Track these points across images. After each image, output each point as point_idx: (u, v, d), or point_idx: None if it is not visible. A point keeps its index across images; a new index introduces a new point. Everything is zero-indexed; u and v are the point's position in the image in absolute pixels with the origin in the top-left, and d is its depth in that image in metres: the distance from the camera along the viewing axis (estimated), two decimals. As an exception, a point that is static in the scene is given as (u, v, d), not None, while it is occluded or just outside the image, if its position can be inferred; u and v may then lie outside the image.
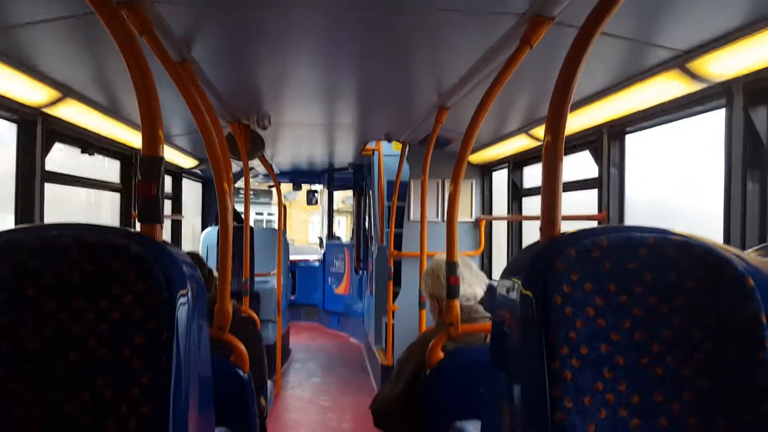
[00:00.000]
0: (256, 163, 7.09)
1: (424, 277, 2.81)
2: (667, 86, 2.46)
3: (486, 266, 5.54)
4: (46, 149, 3.10)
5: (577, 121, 3.30)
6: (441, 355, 2.34)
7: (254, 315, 3.43)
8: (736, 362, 1.25)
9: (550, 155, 1.43)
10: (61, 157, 3.52)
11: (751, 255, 1.50)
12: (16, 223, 2.94)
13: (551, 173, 1.43)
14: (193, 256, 2.57)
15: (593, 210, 3.41)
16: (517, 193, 4.89)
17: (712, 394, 1.25)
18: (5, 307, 1.18)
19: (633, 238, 1.30)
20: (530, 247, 1.42)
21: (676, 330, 1.27)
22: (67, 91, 2.85)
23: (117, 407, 1.18)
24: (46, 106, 2.90)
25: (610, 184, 3.28)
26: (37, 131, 2.97)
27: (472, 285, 2.65)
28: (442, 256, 2.75)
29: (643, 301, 1.27)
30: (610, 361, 1.25)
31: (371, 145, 6.32)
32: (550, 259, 1.28)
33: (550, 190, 1.43)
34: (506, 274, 1.42)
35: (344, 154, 6.98)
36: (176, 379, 1.21)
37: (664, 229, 1.35)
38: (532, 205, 4.73)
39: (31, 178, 2.98)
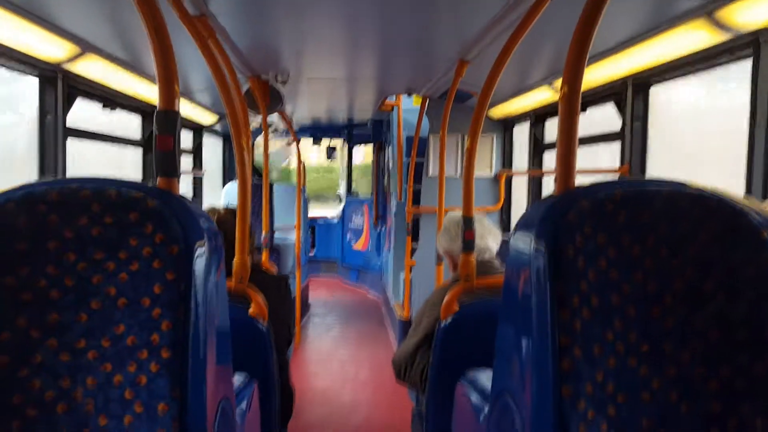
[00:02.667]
0: (276, 119, 7.10)
1: (439, 236, 2.84)
2: (693, 36, 2.40)
3: (505, 221, 5.54)
4: (68, 105, 3.13)
5: (600, 73, 3.24)
6: (456, 307, 2.37)
7: (273, 269, 3.49)
8: (747, 314, 1.25)
9: (566, 106, 1.42)
10: (91, 116, 3.56)
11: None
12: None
13: (567, 125, 1.42)
14: (229, 211, 2.61)
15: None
16: (538, 147, 4.85)
17: (722, 345, 1.26)
18: (25, 258, 1.22)
19: (647, 190, 1.30)
20: (544, 200, 1.42)
21: (688, 281, 1.27)
22: (86, 47, 2.86)
23: (138, 352, 1.23)
24: (66, 61, 2.92)
25: (633, 138, 3.24)
26: (57, 87, 2.99)
27: (485, 238, 2.67)
28: (455, 213, 2.76)
29: (656, 253, 1.27)
30: (621, 312, 1.26)
31: (391, 100, 6.28)
32: (563, 212, 1.28)
33: (565, 142, 1.42)
34: (519, 226, 1.42)
35: (364, 109, 6.95)
36: (194, 327, 1.25)
37: (681, 182, 1.34)
38: (554, 160, 4.68)
39: (53, 134, 3.02)
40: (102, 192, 1.25)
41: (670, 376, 1.26)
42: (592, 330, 1.24)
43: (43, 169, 3.02)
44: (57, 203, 1.24)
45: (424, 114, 5.29)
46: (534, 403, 1.28)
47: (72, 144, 3.21)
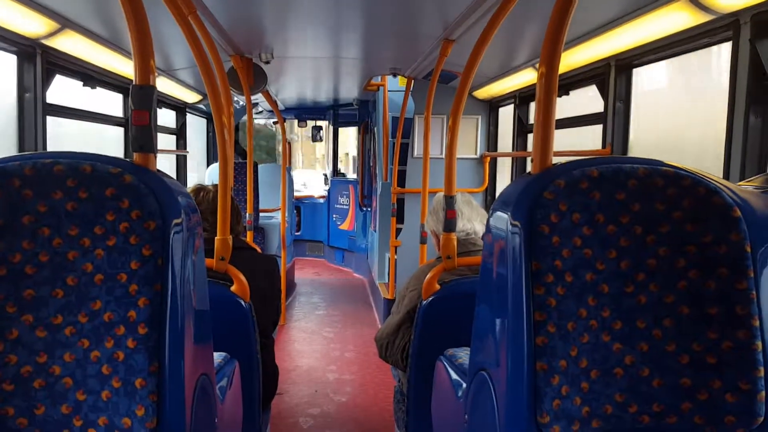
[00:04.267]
0: (260, 99, 7.05)
1: (427, 217, 2.85)
2: (675, 18, 2.41)
3: (489, 203, 5.56)
4: (47, 82, 3.09)
5: (582, 55, 3.25)
6: (437, 286, 2.38)
7: (258, 249, 3.49)
8: (717, 291, 1.28)
9: (544, 85, 1.42)
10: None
11: (743, 186, 1.50)
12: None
13: (545, 104, 1.42)
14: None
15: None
16: (522, 129, 4.85)
17: (693, 322, 1.28)
18: None
19: (623, 169, 1.31)
20: (521, 178, 1.43)
21: (661, 259, 1.29)
22: (65, 22, 2.81)
23: (116, 328, 1.23)
24: (45, 37, 2.87)
25: (615, 120, 3.25)
26: (36, 63, 2.95)
27: (472, 221, 2.68)
28: (443, 194, 2.77)
29: (630, 231, 1.29)
30: (595, 289, 1.28)
31: (376, 80, 6.25)
32: (538, 190, 1.29)
33: (543, 121, 1.43)
34: (497, 205, 1.43)
35: (349, 89, 6.92)
36: (172, 303, 1.25)
37: (657, 160, 1.36)
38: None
39: (32, 111, 2.98)
40: (76, 167, 1.25)
41: (642, 351, 1.29)
42: (566, 307, 1.26)
43: (22, 148, 2.98)
44: (31, 178, 1.23)
45: (410, 95, 5.27)
46: (509, 379, 1.30)
47: (55, 128, 3.18)
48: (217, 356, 1.94)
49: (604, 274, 1.28)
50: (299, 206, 9.78)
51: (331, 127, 10.13)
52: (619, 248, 1.29)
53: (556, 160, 1.45)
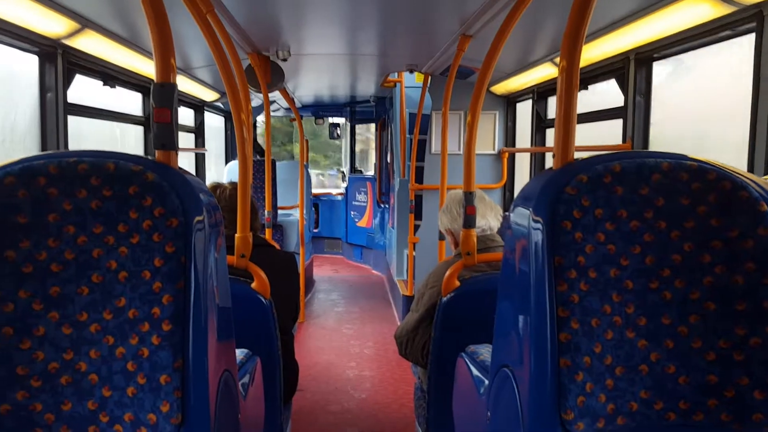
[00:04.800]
0: (277, 97, 7.07)
1: (440, 215, 2.84)
2: (696, 10, 2.38)
3: (508, 199, 5.54)
4: (68, 81, 3.12)
5: (601, 48, 3.21)
6: (457, 283, 2.38)
7: (276, 246, 3.50)
8: (745, 286, 1.26)
9: (565, 79, 1.41)
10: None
11: None
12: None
13: (567, 98, 1.41)
14: (236, 186, 2.57)
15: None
16: (541, 124, 4.82)
17: (719, 318, 1.27)
18: (26, 231, 1.23)
19: (647, 163, 1.30)
20: (543, 173, 1.42)
21: (686, 254, 1.27)
22: (85, 22, 2.84)
23: (140, 325, 1.24)
24: (66, 37, 2.90)
25: (635, 114, 3.22)
26: (57, 63, 2.98)
27: (486, 216, 2.67)
28: (456, 191, 2.77)
29: (654, 227, 1.28)
30: (619, 285, 1.26)
31: (393, 77, 6.24)
32: (560, 185, 1.28)
33: (565, 116, 1.42)
34: (518, 200, 1.42)
35: (366, 86, 6.91)
36: (195, 299, 1.26)
37: (681, 154, 1.34)
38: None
39: (53, 111, 3.02)
40: (100, 165, 1.26)
41: (668, 348, 1.27)
42: (590, 303, 1.25)
43: (44, 147, 3.02)
44: (56, 176, 1.24)
45: (427, 91, 5.25)
46: (533, 376, 1.29)
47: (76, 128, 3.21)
48: (239, 353, 1.96)
49: (628, 270, 1.27)
50: (317, 203, 9.81)
51: (348, 124, 10.14)
52: (643, 244, 1.27)
53: (577, 155, 1.44)
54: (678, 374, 1.28)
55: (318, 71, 5.72)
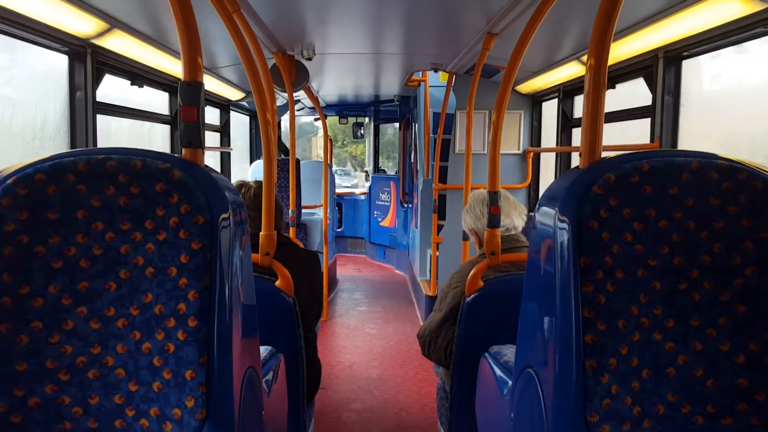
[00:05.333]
0: (302, 96, 7.10)
1: (463, 215, 2.83)
2: (727, 7, 2.33)
3: (533, 199, 5.49)
4: (97, 81, 3.17)
5: (629, 47, 3.17)
6: (481, 283, 2.36)
7: (300, 243, 3.52)
8: None
9: (593, 78, 1.39)
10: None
11: None
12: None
13: (594, 96, 1.39)
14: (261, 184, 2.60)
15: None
16: (566, 123, 4.77)
17: (749, 321, 1.24)
18: (56, 227, 1.25)
19: (676, 162, 1.27)
20: (569, 172, 1.40)
21: (716, 255, 1.25)
22: (114, 22, 2.88)
23: (166, 320, 1.25)
24: (95, 37, 2.94)
25: (663, 113, 3.17)
26: (86, 62, 3.03)
27: (511, 215, 2.65)
28: (480, 190, 2.75)
29: (683, 227, 1.25)
30: (647, 286, 1.24)
31: (417, 76, 6.23)
32: (587, 184, 1.27)
33: (592, 114, 1.40)
34: (544, 200, 1.41)
35: (390, 85, 6.91)
36: (220, 296, 1.27)
37: (711, 153, 1.32)
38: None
39: (83, 110, 3.06)
40: (128, 162, 1.27)
41: (696, 350, 1.25)
42: (616, 304, 1.23)
43: (73, 146, 3.07)
44: (85, 173, 1.26)
45: (451, 90, 5.24)
46: (557, 377, 1.28)
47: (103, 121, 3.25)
48: (263, 350, 1.97)
49: (656, 271, 1.25)
50: (341, 202, 9.83)
51: (371, 124, 10.15)
52: (671, 244, 1.25)
53: (603, 154, 1.42)
54: (706, 377, 1.25)
55: (342, 70, 5.73)
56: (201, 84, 1.40)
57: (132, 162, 1.28)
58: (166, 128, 4.51)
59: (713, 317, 1.25)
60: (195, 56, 1.40)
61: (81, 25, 2.77)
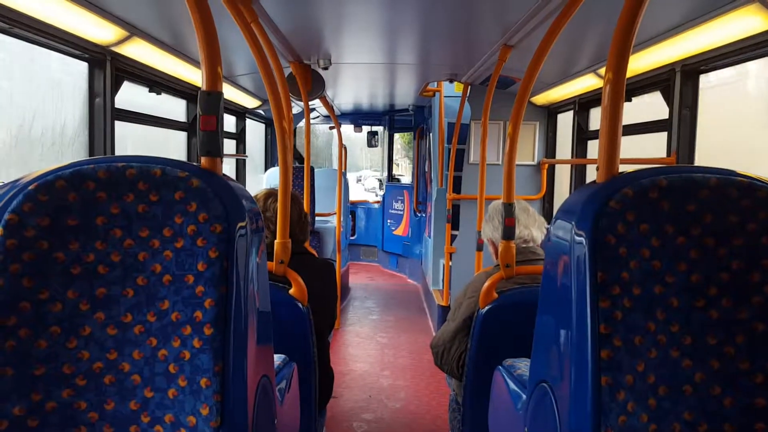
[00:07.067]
0: (317, 104, 7.13)
1: (483, 225, 2.83)
2: (746, 22, 2.32)
3: (547, 211, 5.47)
4: (116, 88, 3.21)
5: (646, 60, 3.16)
6: (495, 295, 2.35)
7: (314, 252, 3.53)
8: None
9: (611, 91, 1.39)
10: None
11: None
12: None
13: (612, 110, 1.39)
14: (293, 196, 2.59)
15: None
16: (582, 135, 4.76)
17: (767, 339, 1.23)
18: (75, 234, 1.26)
19: (694, 179, 1.27)
20: (586, 186, 1.40)
21: (734, 273, 1.24)
22: (133, 30, 2.92)
23: (182, 328, 1.26)
24: (114, 45, 2.98)
25: (680, 127, 3.15)
26: (106, 69, 3.07)
27: (529, 227, 2.64)
28: (499, 201, 2.75)
29: (701, 243, 1.24)
30: (664, 302, 1.23)
31: (432, 86, 6.24)
32: (604, 199, 1.26)
33: (609, 129, 1.39)
34: (560, 213, 1.41)
35: (405, 95, 6.93)
36: (236, 304, 1.27)
37: (730, 170, 1.31)
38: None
39: (102, 116, 3.10)
40: (147, 170, 1.29)
41: (713, 369, 1.24)
42: (633, 320, 1.23)
43: (92, 152, 3.10)
44: (105, 181, 1.28)
45: (466, 100, 5.24)
46: (572, 393, 1.27)
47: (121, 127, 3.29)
48: (277, 358, 1.97)
49: (673, 288, 1.24)
50: (354, 211, 9.85)
51: (386, 133, 10.18)
52: (689, 261, 1.24)
53: (620, 168, 1.41)
54: (723, 396, 1.24)
55: (357, 80, 5.76)
56: (220, 94, 1.41)
57: (151, 170, 1.29)
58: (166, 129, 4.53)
59: (731, 335, 1.24)
60: (215, 66, 1.41)
61: (101, 32, 2.80)
